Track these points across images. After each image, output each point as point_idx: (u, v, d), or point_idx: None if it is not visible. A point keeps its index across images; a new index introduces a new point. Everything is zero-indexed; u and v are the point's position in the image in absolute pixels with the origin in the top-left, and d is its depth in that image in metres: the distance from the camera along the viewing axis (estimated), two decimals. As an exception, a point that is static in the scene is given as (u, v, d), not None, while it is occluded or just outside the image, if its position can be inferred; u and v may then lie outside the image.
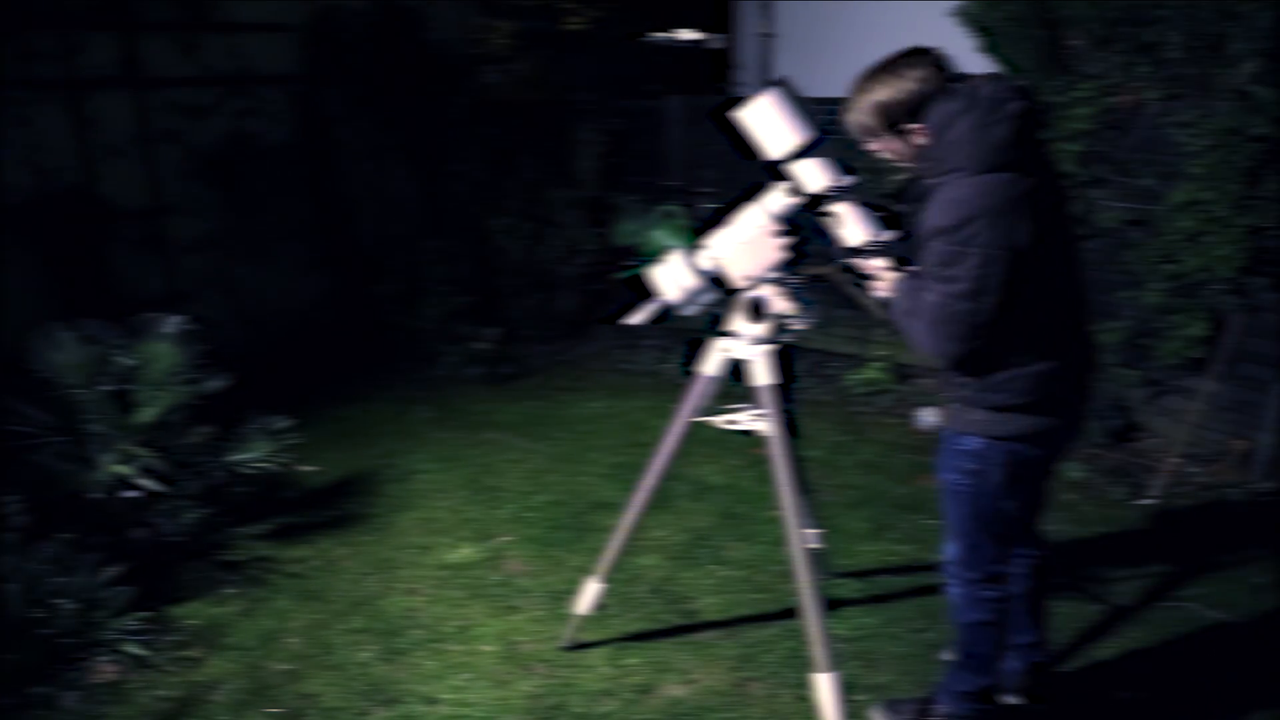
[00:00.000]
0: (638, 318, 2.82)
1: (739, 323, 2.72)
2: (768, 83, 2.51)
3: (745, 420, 2.88)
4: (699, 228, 2.87)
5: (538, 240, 6.56)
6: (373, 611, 3.49)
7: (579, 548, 3.90)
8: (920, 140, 2.28)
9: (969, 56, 5.15)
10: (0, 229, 4.94)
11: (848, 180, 2.44)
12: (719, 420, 2.92)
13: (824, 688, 2.60)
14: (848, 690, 2.95)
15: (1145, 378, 4.64)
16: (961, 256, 2.12)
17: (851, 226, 2.38)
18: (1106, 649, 3.13)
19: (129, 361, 3.75)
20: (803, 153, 2.43)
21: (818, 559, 3.50)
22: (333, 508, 4.31)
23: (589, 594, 3.11)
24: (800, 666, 3.08)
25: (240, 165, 5.76)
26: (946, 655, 2.83)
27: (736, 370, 2.77)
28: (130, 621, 3.26)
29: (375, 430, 5.21)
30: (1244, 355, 4.26)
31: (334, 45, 6.22)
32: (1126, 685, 2.96)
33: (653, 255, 3.36)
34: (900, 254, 2.51)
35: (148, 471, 3.55)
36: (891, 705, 2.83)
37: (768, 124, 2.44)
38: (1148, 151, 4.47)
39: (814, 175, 2.45)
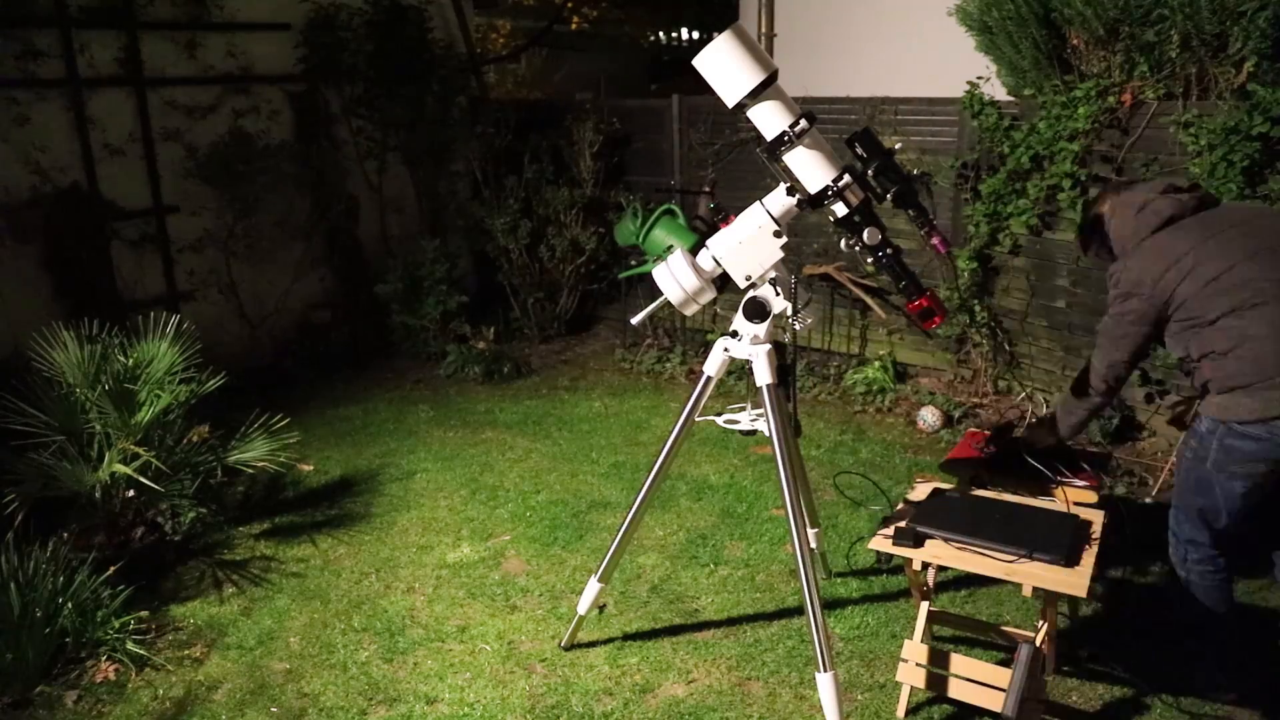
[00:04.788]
0: (638, 318, 2.82)
1: (739, 322, 2.72)
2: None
3: (746, 420, 2.88)
4: (699, 227, 2.87)
5: (538, 240, 6.56)
6: (373, 611, 3.49)
7: (579, 547, 3.90)
8: None
9: (969, 56, 5.16)
10: (0, 229, 4.94)
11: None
12: (719, 419, 2.92)
13: (824, 687, 2.60)
14: (847, 690, 2.96)
15: (1145, 377, 4.64)
16: None
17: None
18: (1113, 640, 3.14)
19: (129, 361, 3.75)
20: (759, 92, 2.44)
21: (818, 559, 3.51)
22: (333, 507, 4.32)
23: (589, 593, 3.11)
24: (800, 666, 3.09)
25: (240, 165, 5.76)
26: None
27: (737, 369, 2.77)
28: (130, 621, 3.26)
29: (375, 430, 5.22)
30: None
31: (334, 45, 6.22)
32: (1131, 670, 2.97)
33: (653, 255, 3.35)
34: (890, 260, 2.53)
35: (147, 471, 3.54)
36: None
37: (725, 67, 2.44)
38: (1148, 151, 4.47)
39: (771, 118, 2.46)
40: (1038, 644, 2.60)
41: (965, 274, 5.14)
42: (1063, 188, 4.70)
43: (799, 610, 3.38)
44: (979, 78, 5.00)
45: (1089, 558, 2.55)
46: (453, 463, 4.75)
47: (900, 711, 2.84)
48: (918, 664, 2.78)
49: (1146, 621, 3.28)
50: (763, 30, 7.39)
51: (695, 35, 20.01)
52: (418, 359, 6.35)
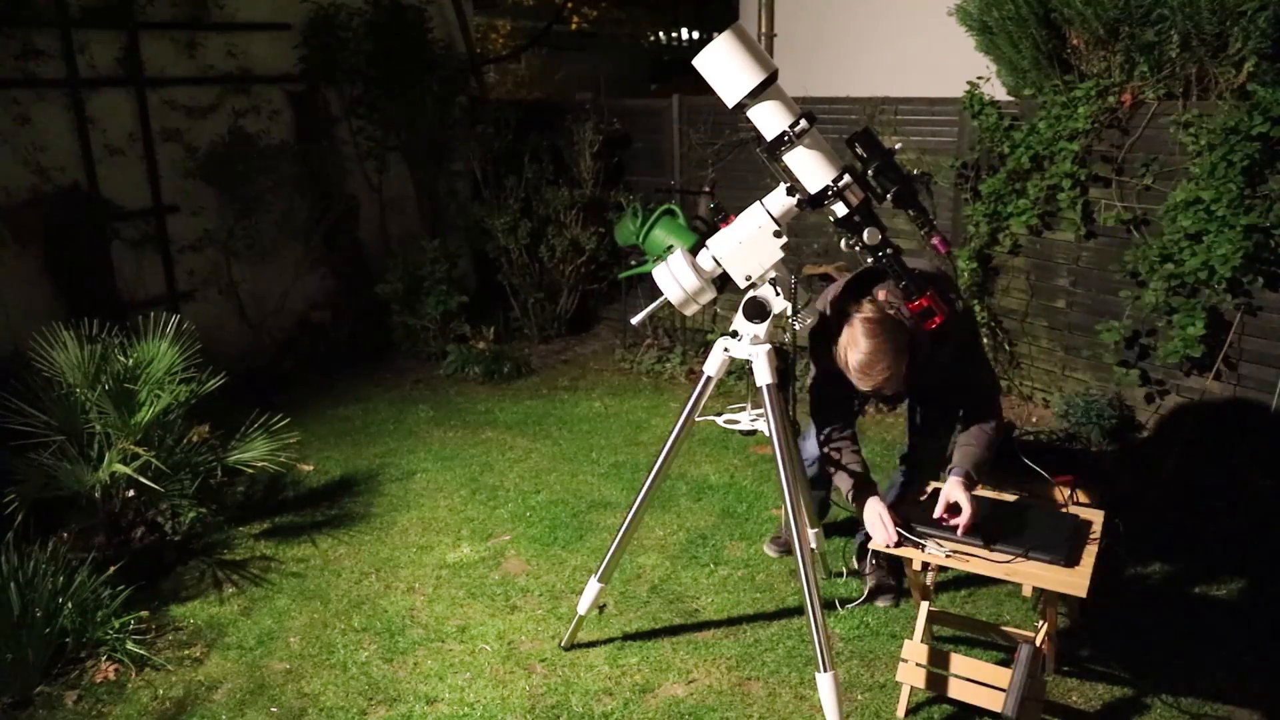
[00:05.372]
0: (638, 318, 2.82)
1: (739, 322, 2.72)
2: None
3: (746, 420, 2.88)
4: (699, 227, 2.87)
5: (538, 240, 6.56)
6: (373, 611, 3.49)
7: (579, 547, 3.90)
8: None
9: (969, 56, 5.16)
10: (0, 229, 4.94)
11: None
12: (719, 419, 2.92)
13: (824, 687, 2.60)
14: (847, 690, 2.96)
15: (1145, 377, 4.64)
16: None
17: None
18: (1113, 640, 3.14)
19: (129, 361, 3.75)
20: (759, 92, 2.44)
21: (818, 559, 3.51)
22: (333, 507, 4.32)
23: (589, 593, 3.11)
24: (800, 666, 3.09)
25: (240, 165, 5.76)
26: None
27: (737, 369, 2.77)
28: (130, 621, 3.26)
29: (375, 430, 5.22)
30: (1244, 355, 4.27)
31: (334, 45, 6.22)
32: (1131, 670, 2.97)
33: (653, 255, 3.35)
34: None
35: (147, 471, 3.54)
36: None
37: (725, 67, 2.44)
38: (1148, 151, 4.47)
39: (771, 118, 2.46)
40: (1037, 644, 2.60)
41: (965, 274, 5.14)
42: (1063, 188, 4.70)
43: (799, 610, 3.38)
44: (979, 78, 5.00)
45: (1089, 558, 2.55)
46: (453, 463, 4.75)
47: (900, 711, 2.85)
48: (918, 664, 2.79)
49: (1146, 621, 3.28)
50: (763, 30, 7.39)
51: (695, 35, 20.02)
52: (418, 359, 6.36)
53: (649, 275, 2.75)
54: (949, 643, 3.15)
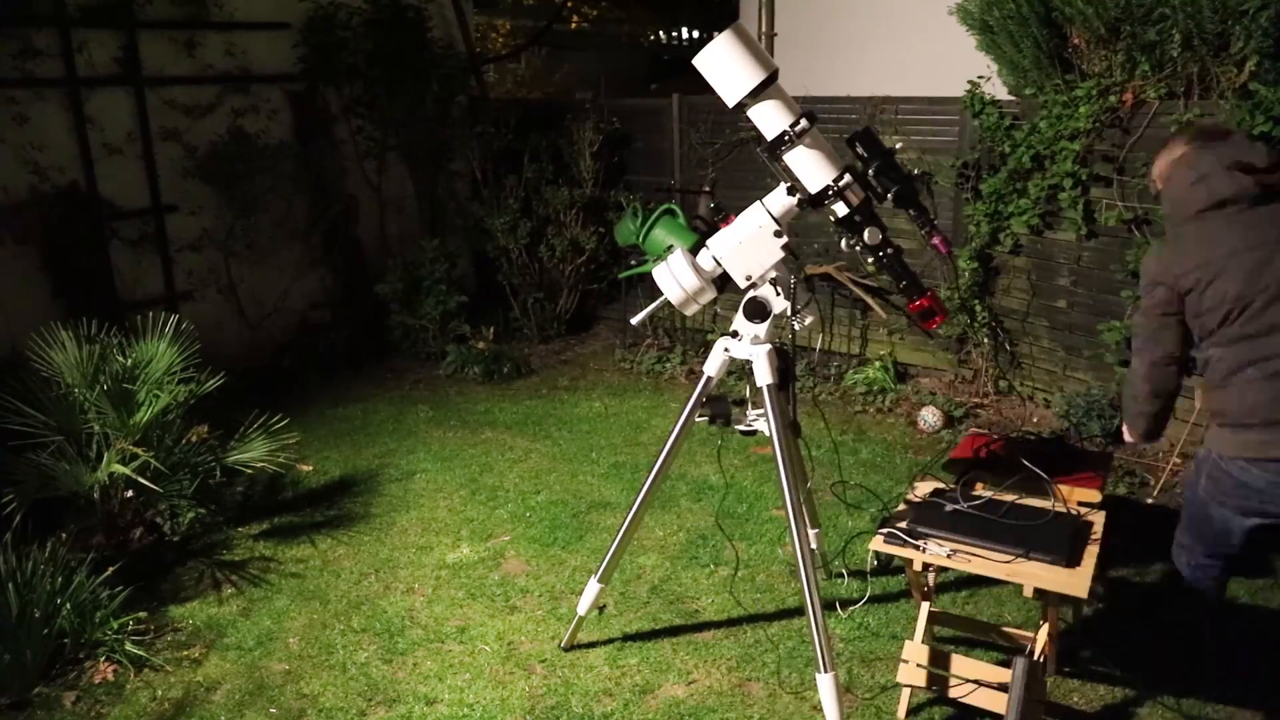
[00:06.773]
0: (638, 318, 2.82)
1: (739, 322, 2.71)
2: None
3: (746, 420, 2.88)
4: (699, 227, 2.87)
5: (538, 240, 6.55)
6: (372, 611, 3.48)
7: (579, 547, 3.89)
8: None
9: (970, 55, 5.15)
10: (0, 229, 4.94)
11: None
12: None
13: (824, 688, 2.60)
14: (848, 690, 2.95)
15: (1146, 377, 4.63)
16: None
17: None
18: (1114, 641, 3.13)
19: (127, 361, 3.74)
20: (759, 91, 2.43)
21: (818, 559, 3.50)
22: (332, 507, 4.31)
23: (589, 594, 3.10)
24: (800, 666, 3.08)
25: (239, 164, 5.75)
26: None
27: (737, 369, 2.76)
28: (129, 622, 3.25)
29: (375, 430, 5.21)
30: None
31: (333, 44, 6.21)
32: (1132, 671, 2.96)
33: (653, 255, 3.35)
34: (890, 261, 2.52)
35: (146, 471, 3.54)
36: None
37: (725, 66, 2.43)
38: (1149, 151, 4.46)
39: (772, 117, 2.46)
40: (1038, 645, 2.60)
41: (966, 274, 5.14)
42: (1064, 187, 4.70)
43: (799, 610, 3.37)
44: (980, 77, 4.99)
45: (1090, 558, 2.54)
46: (452, 463, 4.75)
47: (901, 712, 2.84)
48: (918, 665, 2.78)
49: (1147, 622, 3.27)
50: (763, 29, 7.39)
51: (695, 35, 20.02)
52: (417, 359, 6.35)
53: (649, 275, 2.75)
54: (949, 643, 3.14)
